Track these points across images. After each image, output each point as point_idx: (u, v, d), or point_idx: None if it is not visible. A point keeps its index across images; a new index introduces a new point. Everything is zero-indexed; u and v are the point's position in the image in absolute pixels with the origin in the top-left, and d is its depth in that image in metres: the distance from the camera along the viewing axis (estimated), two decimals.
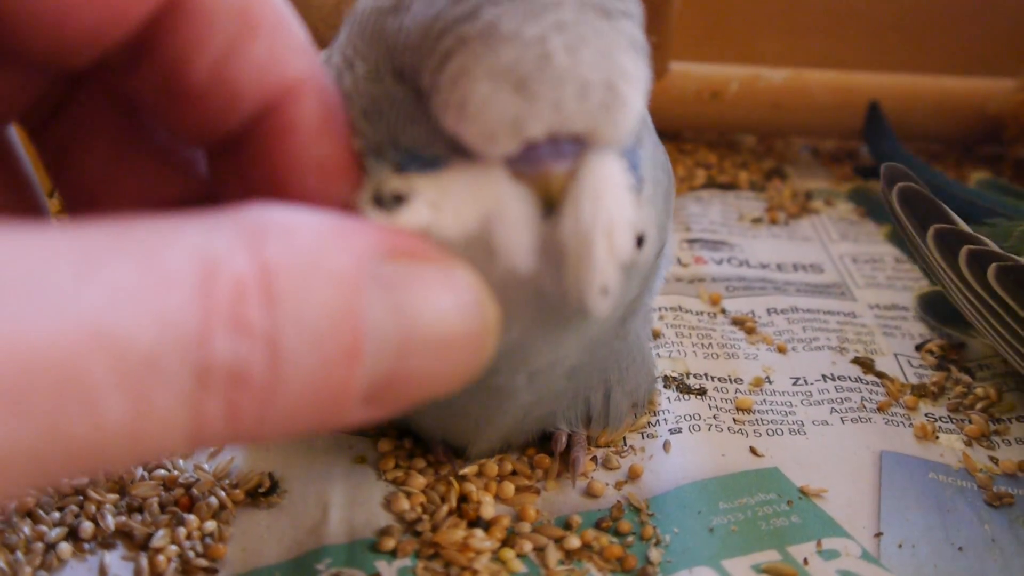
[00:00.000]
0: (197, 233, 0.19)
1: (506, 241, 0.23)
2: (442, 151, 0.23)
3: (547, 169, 0.23)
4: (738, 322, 0.44)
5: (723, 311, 0.44)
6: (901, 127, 0.56)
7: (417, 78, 0.23)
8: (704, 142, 0.57)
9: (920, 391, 0.40)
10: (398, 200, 0.23)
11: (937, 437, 0.38)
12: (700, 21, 0.61)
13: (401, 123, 0.24)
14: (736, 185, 0.54)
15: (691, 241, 0.49)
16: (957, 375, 0.42)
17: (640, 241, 0.25)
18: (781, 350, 0.42)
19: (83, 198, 0.25)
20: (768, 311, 0.45)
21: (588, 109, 0.22)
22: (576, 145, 0.23)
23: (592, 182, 0.23)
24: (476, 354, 0.22)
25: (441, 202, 0.23)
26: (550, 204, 0.23)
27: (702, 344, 0.42)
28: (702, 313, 0.44)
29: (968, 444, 0.38)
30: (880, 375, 0.41)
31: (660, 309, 0.44)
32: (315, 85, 0.23)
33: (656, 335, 0.42)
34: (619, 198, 0.24)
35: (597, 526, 0.34)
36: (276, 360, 0.19)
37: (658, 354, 0.41)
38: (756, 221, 0.51)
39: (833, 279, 0.47)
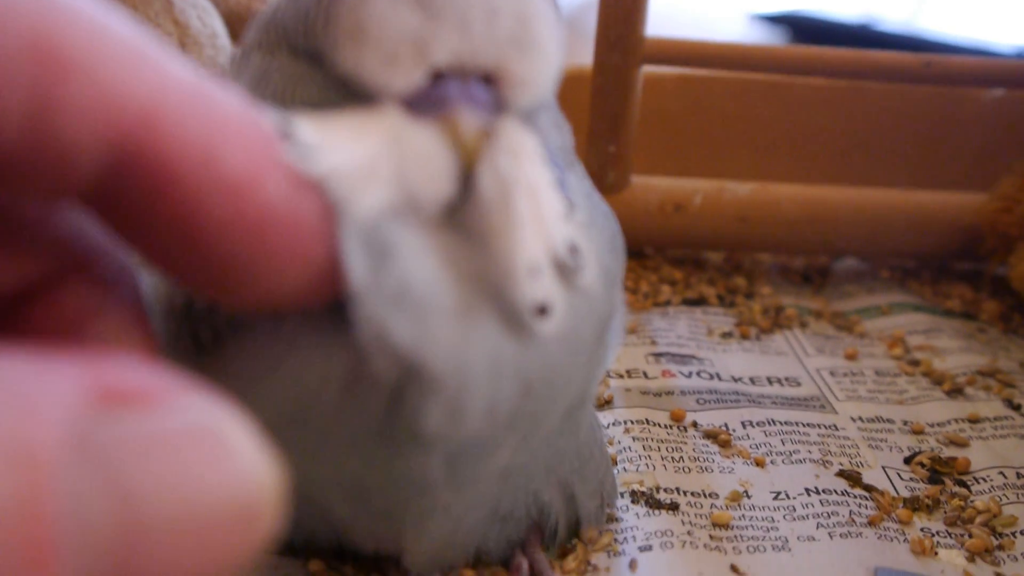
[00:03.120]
0: None
1: (411, 166, 0.20)
2: (334, 102, 0.21)
3: (455, 111, 0.20)
4: (711, 435, 0.40)
5: (695, 424, 0.41)
6: (873, 243, 0.54)
7: (311, 40, 0.21)
8: (668, 259, 0.55)
9: (913, 504, 0.37)
10: (287, 124, 0.19)
11: (936, 553, 0.34)
12: (661, 136, 0.59)
13: (291, 86, 0.22)
14: (704, 300, 0.51)
15: (657, 355, 0.46)
16: (952, 488, 0.38)
17: (575, 252, 0.22)
18: (759, 463, 0.38)
19: None
20: (743, 424, 0.41)
21: (497, 39, 0.20)
22: (488, 93, 0.21)
23: (510, 144, 0.21)
24: (244, 535, 0.15)
25: (331, 136, 0.20)
26: (464, 164, 0.21)
27: (672, 458, 0.38)
28: (671, 426, 0.40)
29: (971, 560, 0.34)
30: (868, 488, 0.37)
31: (626, 422, 0.40)
32: (173, 108, 0.17)
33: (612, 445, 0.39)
34: (543, 172, 0.22)
35: None
36: None
37: (624, 468, 0.37)
38: (726, 336, 0.48)
39: (811, 392, 0.44)
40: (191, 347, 0.25)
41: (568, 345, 0.24)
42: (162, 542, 0.14)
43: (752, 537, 0.34)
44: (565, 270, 0.22)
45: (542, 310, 0.22)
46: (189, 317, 0.25)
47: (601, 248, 0.25)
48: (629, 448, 0.39)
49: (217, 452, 0.15)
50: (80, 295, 0.20)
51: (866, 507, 0.36)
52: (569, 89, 0.59)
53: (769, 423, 0.41)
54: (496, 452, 0.25)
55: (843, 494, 0.37)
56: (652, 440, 0.39)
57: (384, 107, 0.21)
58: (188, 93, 0.18)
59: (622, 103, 0.50)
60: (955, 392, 0.44)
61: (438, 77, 0.21)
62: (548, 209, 0.22)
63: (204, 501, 0.14)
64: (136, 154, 0.17)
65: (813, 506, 0.36)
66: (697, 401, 0.42)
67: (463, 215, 0.22)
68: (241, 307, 0.20)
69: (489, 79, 0.21)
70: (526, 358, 0.23)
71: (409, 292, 0.21)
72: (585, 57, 0.51)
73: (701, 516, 0.35)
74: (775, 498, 0.37)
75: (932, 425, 0.42)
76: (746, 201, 0.52)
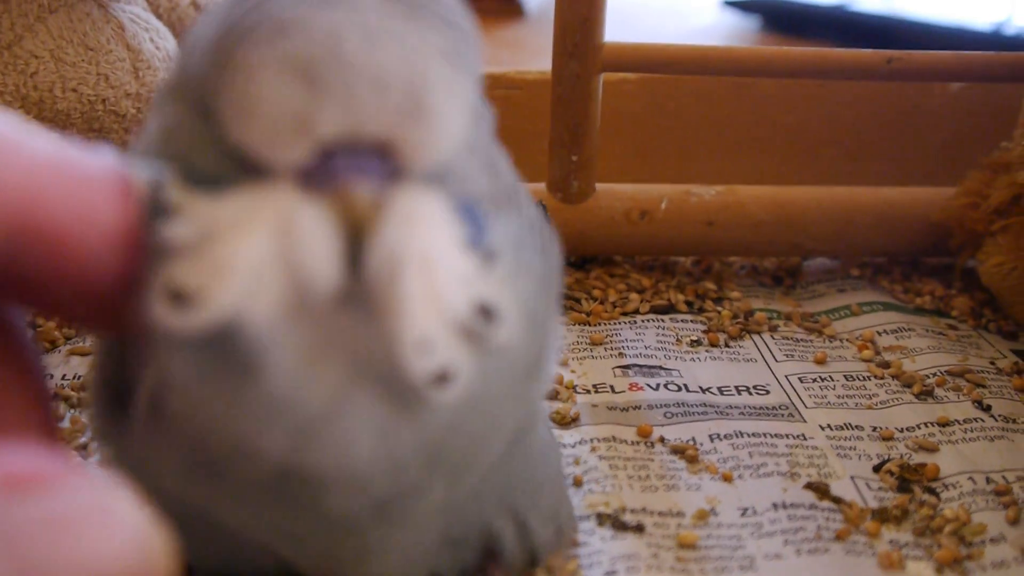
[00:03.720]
0: None
1: (299, 257, 0.20)
2: (230, 172, 0.21)
3: (345, 185, 0.20)
4: (678, 451, 0.40)
5: (662, 439, 0.40)
6: (842, 243, 0.53)
7: (205, 95, 0.21)
8: (636, 266, 0.54)
9: (882, 516, 0.36)
10: (162, 210, 0.20)
11: (904, 566, 0.34)
12: (625, 140, 0.58)
13: (192, 151, 0.22)
14: (673, 308, 0.51)
15: (625, 367, 0.45)
16: (921, 496, 0.38)
17: (489, 314, 0.22)
18: (726, 479, 0.38)
19: None
20: (711, 437, 0.41)
21: (386, 111, 0.20)
22: (382, 163, 0.20)
23: (405, 211, 0.21)
24: None
25: (217, 219, 0.20)
26: (356, 236, 0.20)
27: (639, 476, 0.38)
28: (638, 443, 0.40)
29: (939, 572, 0.34)
30: (836, 500, 0.37)
31: (592, 440, 0.40)
32: (54, 182, 0.20)
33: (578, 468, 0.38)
34: (442, 237, 0.21)
35: None
36: None
37: (590, 489, 0.37)
38: (695, 344, 0.48)
39: (780, 400, 0.44)
40: (120, 405, 0.25)
41: (481, 402, 0.24)
42: None
43: (719, 557, 0.34)
44: (471, 334, 0.22)
45: (442, 378, 0.22)
46: (110, 377, 0.25)
47: (528, 294, 0.25)
48: (595, 468, 0.38)
49: (107, 525, 0.16)
50: None
51: (834, 520, 0.36)
52: (535, 95, 0.59)
53: (737, 435, 0.41)
54: (424, 495, 0.25)
55: (811, 507, 0.37)
56: (618, 458, 0.39)
57: (276, 183, 0.21)
58: (56, 166, 0.20)
59: (583, 112, 0.49)
60: (925, 394, 0.44)
61: (329, 151, 0.20)
62: (446, 276, 0.22)
63: (100, 571, 0.16)
64: (27, 230, 0.19)
65: (780, 522, 0.36)
66: (665, 415, 0.42)
67: (359, 290, 0.21)
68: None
69: (383, 149, 0.21)
70: (427, 426, 0.23)
71: (278, 403, 0.21)
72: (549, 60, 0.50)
73: (667, 537, 0.35)
74: (742, 515, 0.36)
75: (901, 430, 0.42)
76: (713, 205, 0.52)
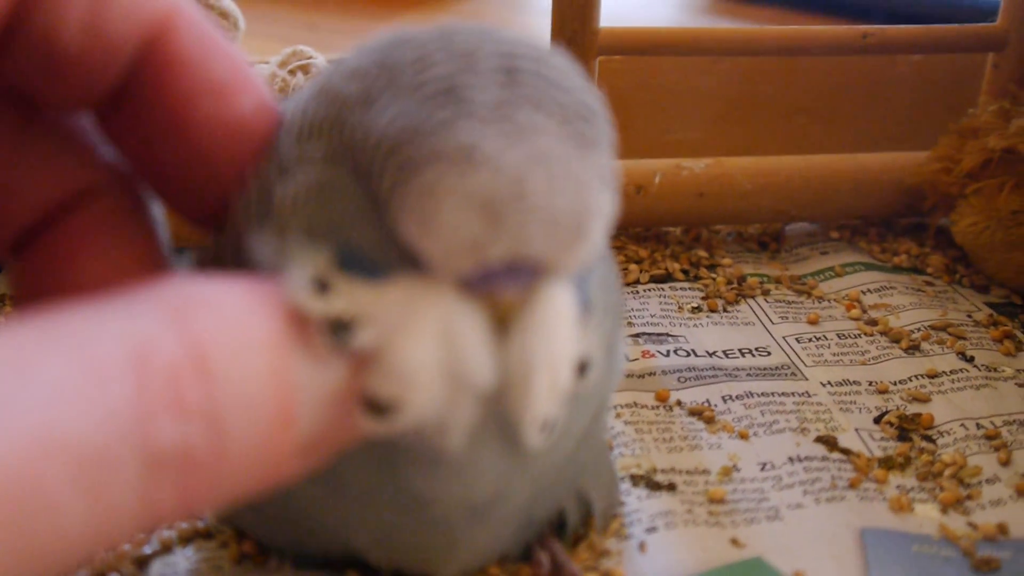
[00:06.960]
0: (122, 318, 0.19)
1: (463, 359, 0.23)
2: (390, 259, 0.23)
3: (500, 292, 0.22)
4: (696, 412, 0.43)
5: (679, 403, 0.43)
6: (823, 208, 0.57)
7: (375, 181, 0.22)
8: (632, 237, 0.57)
9: (887, 463, 0.40)
10: (343, 326, 0.22)
11: (913, 508, 0.38)
12: (615, 118, 0.61)
13: (350, 218, 0.23)
14: (671, 276, 0.54)
15: (635, 336, 0.48)
16: (920, 444, 0.41)
17: (584, 368, 0.25)
18: (743, 436, 0.41)
19: None
20: (724, 399, 0.44)
21: (553, 243, 0.22)
22: (532, 271, 0.22)
23: (543, 315, 0.23)
24: None
25: (388, 319, 0.22)
26: (499, 325, 0.23)
27: (663, 439, 0.41)
28: (658, 407, 0.43)
29: (944, 512, 0.38)
30: (845, 451, 0.41)
31: (616, 407, 0.43)
32: (186, 14, 0.24)
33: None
34: (567, 332, 0.24)
35: None
36: (219, 436, 0.19)
37: (620, 453, 0.40)
38: (696, 310, 0.51)
39: (781, 360, 0.47)
40: None
41: (567, 428, 0.27)
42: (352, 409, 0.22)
43: (746, 510, 0.37)
44: (571, 390, 0.25)
45: (545, 430, 0.25)
46: None
47: (609, 329, 0.28)
48: (623, 432, 0.41)
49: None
50: (105, 212, 0.26)
51: (845, 470, 0.40)
52: None
53: (748, 395, 0.44)
54: (514, 500, 0.29)
55: (823, 459, 0.40)
56: (642, 422, 0.42)
57: (436, 283, 0.22)
58: (193, 11, 0.24)
59: None
60: (912, 348, 0.48)
61: (490, 268, 0.22)
62: (566, 365, 0.24)
63: None
64: (154, 43, 0.23)
65: (797, 474, 0.39)
66: (678, 379, 0.45)
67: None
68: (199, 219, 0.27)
69: (537, 264, 0.22)
70: (528, 459, 0.27)
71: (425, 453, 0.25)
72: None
73: (698, 494, 0.38)
74: (762, 469, 0.40)
75: (895, 383, 0.45)
76: (703, 177, 0.55)
